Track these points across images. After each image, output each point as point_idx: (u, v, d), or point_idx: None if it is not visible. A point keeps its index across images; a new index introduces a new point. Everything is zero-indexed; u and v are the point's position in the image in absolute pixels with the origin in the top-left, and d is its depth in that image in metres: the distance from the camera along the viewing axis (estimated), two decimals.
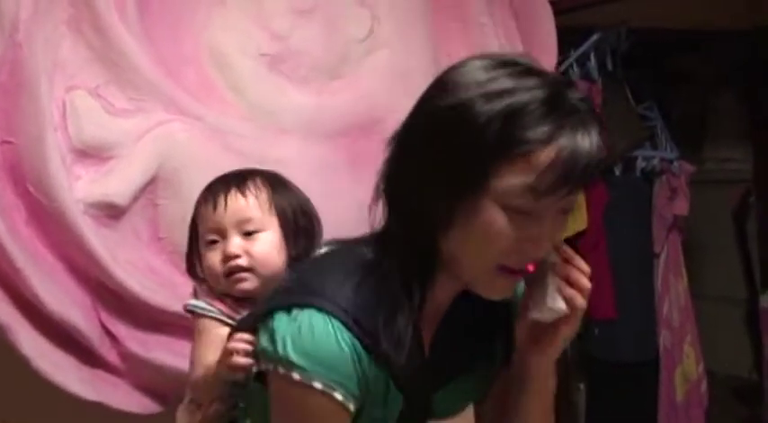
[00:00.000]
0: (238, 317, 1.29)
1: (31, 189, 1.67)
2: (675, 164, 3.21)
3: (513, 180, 0.92)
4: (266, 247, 1.31)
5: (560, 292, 1.03)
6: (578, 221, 3.00)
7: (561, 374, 3.13)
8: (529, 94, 0.92)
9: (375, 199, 1.06)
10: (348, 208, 1.99)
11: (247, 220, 1.31)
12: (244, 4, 1.91)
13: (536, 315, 1.05)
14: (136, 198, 1.76)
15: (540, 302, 1.04)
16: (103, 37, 1.71)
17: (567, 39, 2.60)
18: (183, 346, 1.83)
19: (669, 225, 3.22)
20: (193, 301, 1.37)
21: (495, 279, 1.00)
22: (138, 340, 1.81)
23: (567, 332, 1.07)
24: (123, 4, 1.75)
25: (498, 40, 2.29)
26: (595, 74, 2.87)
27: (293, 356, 0.97)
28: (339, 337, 0.98)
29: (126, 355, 1.81)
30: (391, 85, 2.09)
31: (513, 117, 0.92)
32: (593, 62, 2.85)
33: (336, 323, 0.98)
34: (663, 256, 3.26)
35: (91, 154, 1.72)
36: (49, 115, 1.65)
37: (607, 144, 0.98)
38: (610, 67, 2.96)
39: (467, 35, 2.26)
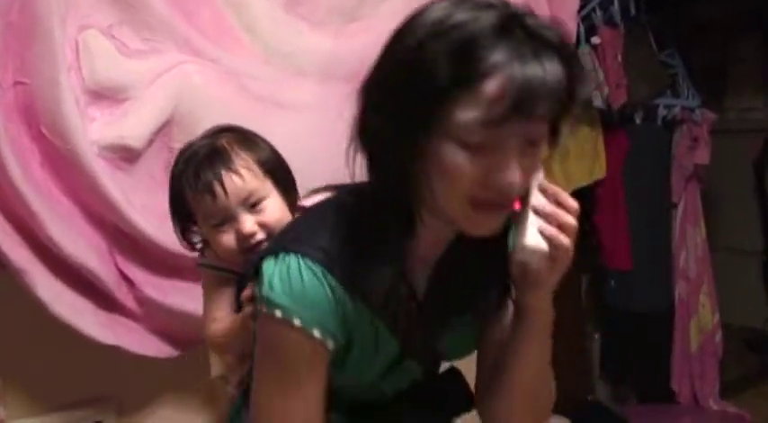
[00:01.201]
0: None
1: (45, 131, 1.64)
2: (697, 112, 3.15)
3: (465, 115, 0.90)
4: (276, 213, 1.30)
5: (542, 231, 0.99)
6: (597, 169, 2.97)
7: (576, 323, 3.17)
8: (479, 25, 0.89)
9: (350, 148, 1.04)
10: None
11: (250, 195, 1.28)
12: None
13: (519, 256, 1.02)
14: (151, 141, 1.74)
15: (520, 242, 1.00)
16: None
17: None
18: (200, 291, 1.83)
19: (689, 175, 3.18)
20: (206, 260, 1.37)
21: (474, 214, 0.97)
22: (154, 285, 1.81)
23: (552, 275, 1.02)
24: None
25: None
26: (618, 18, 2.80)
27: (275, 295, 1.01)
28: (320, 278, 1.01)
29: (142, 300, 1.81)
30: None
31: (461, 51, 0.89)
32: (616, 6, 2.78)
33: (318, 266, 1.01)
34: (681, 207, 3.23)
35: (105, 95, 1.69)
36: (62, 56, 1.61)
37: (582, 75, 0.96)
38: (633, 11, 2.88)
39: None
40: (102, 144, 1.68)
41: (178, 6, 1.75)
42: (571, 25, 2.37)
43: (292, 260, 1.01)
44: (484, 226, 0.99)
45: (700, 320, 3.28)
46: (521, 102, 0.88)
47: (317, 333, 1.02)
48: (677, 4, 3.36)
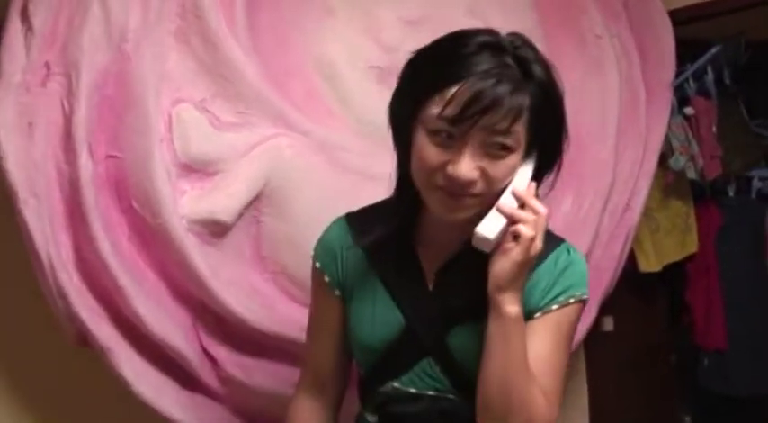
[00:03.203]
0: None
1: (136, 205, 1.62)
2: None
3: (432, 110, 1.13)
4: None
5: (495, 222, 1.14)
6: (689, 244, 2.85)
7: (666, 405, 3.00)
8: (461, 46, 1.14)
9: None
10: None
11: None
12: (353, 14, 1.83)
13: (473, 243, 1.15)
14: (240, 215, 1.69)
15: (474, 231, 1.15)
16: (212, 49, 1.64)
17: (682, 52, 2.45)
18: (286, 371, 1.76)
19: None
20: None
21: (434, 196, 1.16)
22: (238, 364, 1.74)
23: (506, 274, 1.13)
24: (232, 16, 1.69)
25: (615, 52, 2.16)
26: (712, 88, 2.70)
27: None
28: (337, 224, 1.35)
29: (226, 380, 1.74)
30: None
31: (436, 64, 1.15)
32: (710, 76, 2.68)
33: (342, 218, 1.36)
34: None
35: (196, 169, 1.65)
36: (156, 129, 1.59)
37: (547, 111, 1.16)
38: (727, 81, 2.78)
39: (583, 48, 2.14)
40: (192, 218, 1.64)
41: (271, 79, 1.72)
42: (666, 95, 2.29)
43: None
44: (441, 207, 1.17)
45: None
46: (468, 107, 1.09)
47: (318, 264, 1.34)
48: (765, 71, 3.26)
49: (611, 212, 2.21)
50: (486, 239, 1.13)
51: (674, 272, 2.93)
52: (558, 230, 2.12)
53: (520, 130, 1.12)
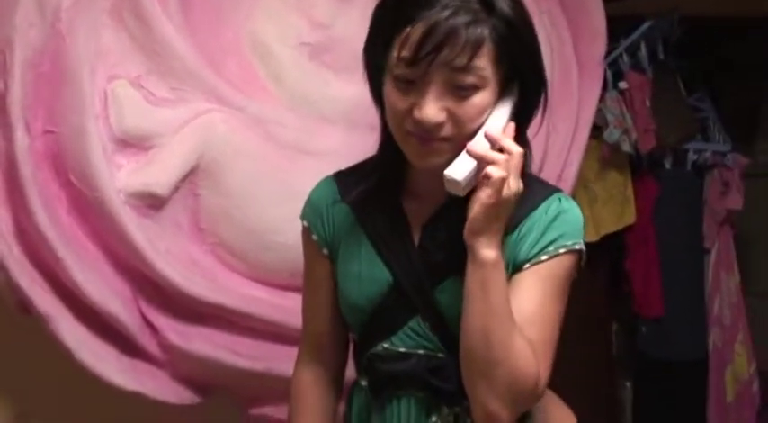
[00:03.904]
0: None
1: (73, 179, 1.67)
2: (728, 156, 3.11)
3: (393, 54, 1.09)
4: None
5: (464, 163, 1.09)
6: (626, 215, 2.94)
7: (606, 371, 3.10)
8: None
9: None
10: None
11: None
12: None
13: (445, 187, 1.11)
14: (176, 188, 1.75)
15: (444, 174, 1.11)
16: (145, 26, 1.69)
17: (616, 27, 2.52)
18: (224, 338, 1.83)
19: (721, 220, 3.13)
20: None
21: (407, 143, 1.13)
22: (178, 331, 1.80)
23: (480, 217, 1.08)
24: None
25: (545, 29, 2.22)
26: (646, 64, 2.79)
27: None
28: (325, 182, 1.33)
29: (166, 346, 1.80)
30: None
31: (396, 5, 1.10)
32: (643, 51, 2.77)
33: (328, 178, 1.34)
34: (714, 252, 3.17)
35: (132, 143, 1.71)
36: (91, 105, 1.65)
37: (515, 41, 1.09)
38: (661, 56, 2.87)
39: None
40: (129, 191, 1.70)
41: (205, 56, 1.77)
42: (597, 70, 2.36)
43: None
44: (415, 155, 1.13)
45: (735, 369, 3.20)
46: (422, 45, 1.05)
47: (305, 223, 1.32)
48: (706, 47, 3.35)
49: None
50: (454, 181, 1.09)
51: (615, 242, 3.03)
52: None
53: (484, 65, 1.07)
